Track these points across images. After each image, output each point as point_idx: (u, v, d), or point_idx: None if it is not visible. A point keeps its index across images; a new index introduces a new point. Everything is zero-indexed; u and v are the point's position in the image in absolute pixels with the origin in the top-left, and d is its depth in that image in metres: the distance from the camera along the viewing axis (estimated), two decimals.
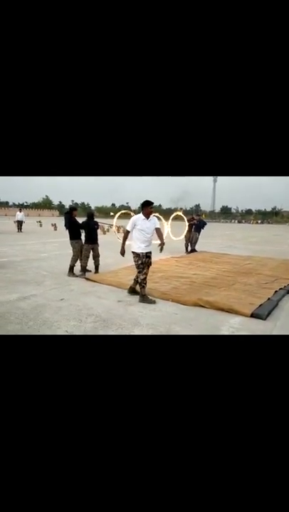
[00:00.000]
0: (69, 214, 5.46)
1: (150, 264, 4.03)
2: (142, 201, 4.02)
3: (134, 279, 4.14)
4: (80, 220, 5.44)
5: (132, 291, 4.24)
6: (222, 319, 3.42)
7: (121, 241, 4.11)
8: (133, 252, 3.93)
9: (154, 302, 3.91)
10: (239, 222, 57.93)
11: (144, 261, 3.88)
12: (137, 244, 3.89)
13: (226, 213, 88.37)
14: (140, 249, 3.87)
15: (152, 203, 3.92)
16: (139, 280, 3.96)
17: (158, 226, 3.99)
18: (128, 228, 3.95)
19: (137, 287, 4.08)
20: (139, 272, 3.93)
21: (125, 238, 4.02)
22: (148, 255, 3.94)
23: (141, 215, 3.88)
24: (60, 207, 68.34)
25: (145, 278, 3.95)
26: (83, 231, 5.37)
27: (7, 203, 73.61)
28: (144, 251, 3.89)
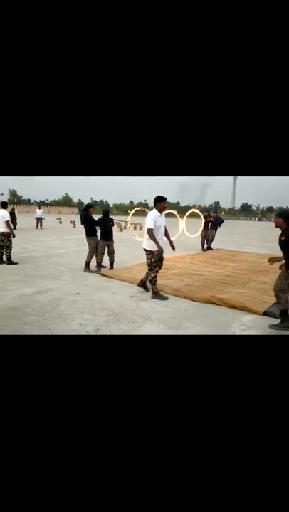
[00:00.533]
0: (85, 211, 5.61)
1: (162, 261, 4.06)
2: (156, 197, 4.02)
3: (150, 281, 4.06)
4: (97, 217, 5.57)
5: (142, 284, 4.27)
6: (234, 317, 3.41)
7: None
8: (147, 250, 3.89)
9: (166, 298, 3.95)
10: (260, 219, 56.30)
11: (157, 259, 3.87)
12: (151, 242, 3.83)
13: (246, 210, 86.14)
14: (155, 246, 3.81)
15: (165, 198, 3.90)
16: (150, 278, 3.98)
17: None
18: (152, 226, 3.78)
19: (148, 284, 4.13)
20: (150, 270, 3.94)
21: (154, 237, 3.79)
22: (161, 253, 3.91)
23: (156, 212, 3.86)
24: (80, 204, 69.54)
25: (156, 276, 3.97)
26: (99, 228, 5.49)
27: (29, 200, 75.97)
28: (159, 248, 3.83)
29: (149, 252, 3.88)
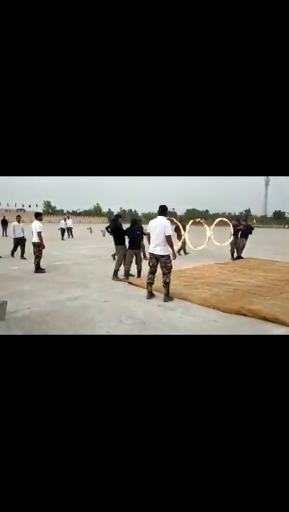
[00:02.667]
0: (115, 221, 5.78)
1: None
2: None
3: (166, 282, 4.22)
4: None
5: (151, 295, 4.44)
6: (265, 329, 3.27)
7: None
8: (164, 256, 4.13)
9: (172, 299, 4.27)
10: None
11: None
12: (168, 248, 4.14)
13: (279, 218, 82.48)
14: (170, 252, 4.20)
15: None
16: (168, 280, 4.19)
17: None
18: (171, 232, 4.14)
19: (161, 287, 4.29)
20: (169, 273, 4.17)
21: (172, 242, 4.23)
22: None
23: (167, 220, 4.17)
24: (110, 214, 71.66)
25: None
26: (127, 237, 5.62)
27: (62, 210, 79.84)
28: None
29: (168, 257, 4.13)
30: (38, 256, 6.16)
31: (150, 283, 4.36)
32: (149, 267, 4.27)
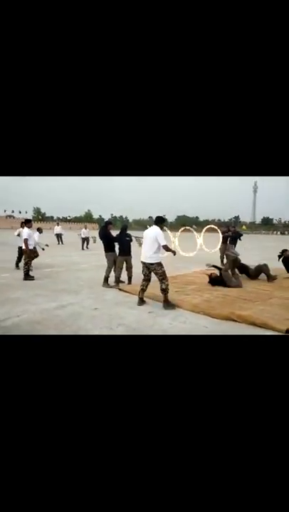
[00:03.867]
0: (104, 228, 5.77)
1: None
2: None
3: (162, 289, 4.19)
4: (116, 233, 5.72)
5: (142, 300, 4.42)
6: (254, 334, 3.31)
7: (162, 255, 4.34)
8: (154, 263, 4.13)
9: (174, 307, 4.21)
10: (282, 233, 54.66)
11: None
12: (157, 255, 4.18)
13: (267, 224, 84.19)
14: (162, 259, 4.26)
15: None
16: (165, 287, 4.16)
17: None
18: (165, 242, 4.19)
19: (159, 294, 4.25)
20: (164, 279, 4.14)
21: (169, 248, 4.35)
22: None
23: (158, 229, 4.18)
24: (100, 220, 71.56)
25: (168, 284, 4.23)
26: (117, 244, 5.62)
27: (52, 217, 79.23)
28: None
29: (158, 264, 4.14)
30: (26, 263, 6.08)
31: (143, 289, 4.38)
32: (143, 275, 4.30)
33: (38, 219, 67.46)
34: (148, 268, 4.22)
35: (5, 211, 64.00)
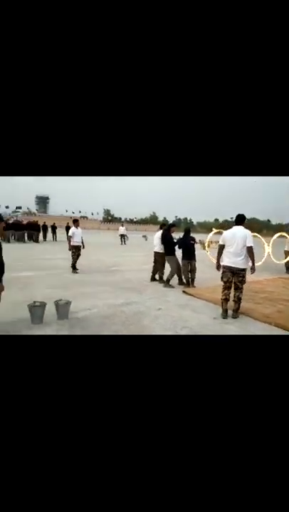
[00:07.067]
0: (167, 231, 5.70)
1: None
2: (241, 215, 3.94)
3: (238, 298, 3.88)
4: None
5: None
6: None
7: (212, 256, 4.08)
8: (245, 270, 3.81)
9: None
10: None
11: None
12: (248, 261, 3.81)
13: None
14: (250, 265, 3.85)
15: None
16: (242, 296, 3.88)
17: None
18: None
19: (232, 304, 3.95)
20: (242, 288, 3.84)
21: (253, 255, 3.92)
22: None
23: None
24: (164, 223, 72.47)
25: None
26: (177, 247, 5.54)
27: (120, 218, 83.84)
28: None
29: (245, 271, 3.81)
30: (73, 257, 6.78)
31: (226, 299, 3.91)
32: (223, 282, 3.91)
33: (108, 220, 72.21)
34: (233, 274, 3.80)
35: (80, 212, 70.70)
